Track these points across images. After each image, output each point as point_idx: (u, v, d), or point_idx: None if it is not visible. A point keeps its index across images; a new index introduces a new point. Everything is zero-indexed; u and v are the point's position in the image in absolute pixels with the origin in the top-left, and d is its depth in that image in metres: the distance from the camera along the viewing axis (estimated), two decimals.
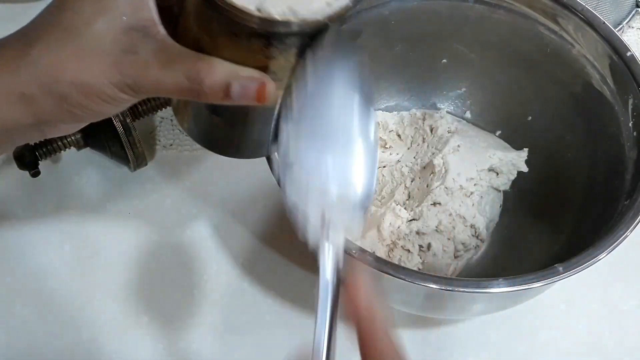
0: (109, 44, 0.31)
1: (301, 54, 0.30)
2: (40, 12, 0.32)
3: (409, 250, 0.51)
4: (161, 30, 0.31)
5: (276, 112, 0.33)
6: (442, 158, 0.54)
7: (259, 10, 0.28)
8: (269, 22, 0.28)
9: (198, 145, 0.61)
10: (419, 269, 0.51)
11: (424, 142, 0.57)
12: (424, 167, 0.55)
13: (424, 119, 0.58)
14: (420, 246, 0.52)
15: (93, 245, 0.54)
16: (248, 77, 0.30)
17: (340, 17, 0.30)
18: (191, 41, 0.31)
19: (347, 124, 0.32)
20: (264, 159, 0.43)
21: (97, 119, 0.33)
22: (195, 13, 0.30)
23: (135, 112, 0.55)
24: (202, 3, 0.29)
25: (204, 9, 0.29)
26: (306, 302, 0.52)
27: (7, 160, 0.58)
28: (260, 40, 0.29)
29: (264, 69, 0.30)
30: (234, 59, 0.30)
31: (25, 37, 0.31)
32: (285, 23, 0.28)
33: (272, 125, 0.34)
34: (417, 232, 0.52)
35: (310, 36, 0.30)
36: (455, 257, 0.53)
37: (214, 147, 0.37)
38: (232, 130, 0.35)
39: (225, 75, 0.30)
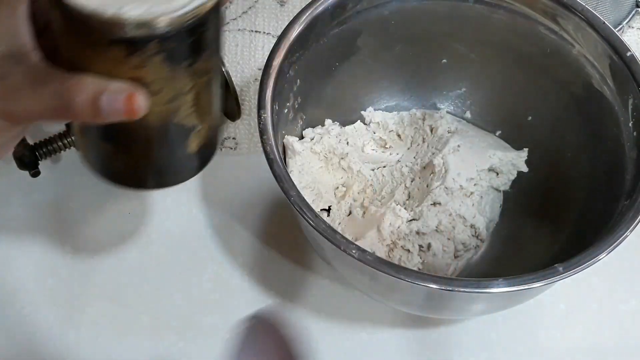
0: None
1: (171, 61, 0.29)
2: None
3: (409, 250, 0.51)
4: (35, 55, 0.31)
5: None
6: (442, 158, 0.54)
7: (109, 14, 0.27)
8: (120, 25, 0.27)
9: None
10: (419, 269, 0.51)
11: (424, 142, 0.57)
12: (424, 167, 0.55)
13: (424, 119, 0.58)
14: (420, 246, 0.52)
15: (93, 245, 0.54)
16: (115, 89, 0.29)
17: (199, 20, 0.28)
18: (65, 61, 0.30)
19: None
20: (263, 159, 0.43)
21: None
22: (59, 29, 0.29)
23: None
24: (58, 14, 0.28)
25: (61, 22, 0.28)
26: (306, 302, 0.53)
27: (7, 160, 0.58)
28: (121, 47, 0.28)
29: (136, 81, 0.29)
30: (103, 73, 0.29)
31: None
32: (144, 27, 0.27)
33: None
34: (417, 232, 0.52)
35: (177, 40, 0.28)
36: (455, 257, 0.53)
37: (119, 179, 0.35)
38: (129, 157, 0.33)
39: (94, 90, 0.29)
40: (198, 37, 0.29)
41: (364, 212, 0.54)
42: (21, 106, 0.30)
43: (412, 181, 0.55)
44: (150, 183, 0.36)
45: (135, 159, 0.33)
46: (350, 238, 0.45)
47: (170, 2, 0.27)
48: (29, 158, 0.52)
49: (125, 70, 0.29)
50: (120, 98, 0.29)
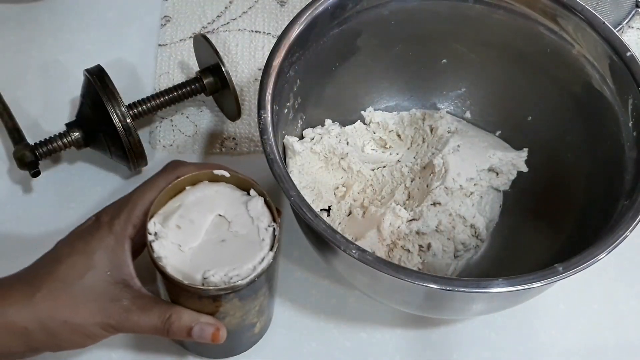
0: (98, 294, 0.40)
1: (243, 298, 0.41)
2: (40, 258, 0.42)
3: (408, 250, 0.51)
4: (137, 282, 0.41)
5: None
6: (442, 158, 0.54)
7: (203, 284, 0.39)
8: (212, 290, 0.39)
9: (197, 145, 0.61)
10: (419, 269, 0.51)
11: (424, 142, 0.57)
12: (424, 167, 0.55)
13: (424, 119, 0.58)
14: (420, 246, 0.52)
15: None
16: (205, 322, 0.41)
17: (263, 273, 0.40)
18: (166, 294, 0.42)
19: None
20: (263, 159, 0.43)
21: (74, 348, 0.42)
22: (163, 281, 0.41)
23: (135, 112, 0.55)
24: (162, 278, 0.40)
25: (164, 281, 0.40)
26: (306, 302, 0.53)
27: (7, 160, 0.58)
28: (209, 298, 0.40)
29: (218, 310, 0.41)
30: (195, 308, 0.41)
31: (29, 284, 0.40)
32: (224, 289, 0.39)
33: None
34: (417, 232, 0.52)
35: (248, 288, 0.40)
36: (455, 257, 0.53)
37: (203, 355, 0.50)
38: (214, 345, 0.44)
39: (189, 321, 0.40)
40: (262, 280, 0.41)
41: (364, 212, 0.54)
42: (130, 323, 0.40)
43: (412, 181, 0.55)
44: (226, 355, 0.49)
45: (219, 345, 0.43)
46: (350, 238, 0.45)
47: (243, 265, 0.39)
48: (29, 158, 0.52)
49: (210, 307, 0.41)
50: (208, 330, 0.40)
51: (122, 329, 0.41)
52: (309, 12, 0.49)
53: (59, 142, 0.53)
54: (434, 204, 0.52)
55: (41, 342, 0.40)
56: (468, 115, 0.59)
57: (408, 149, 0.58)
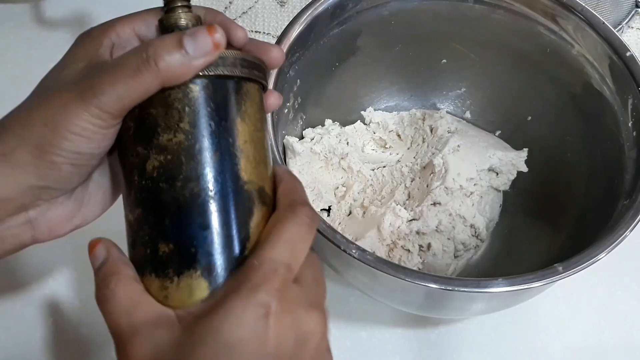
0: (70, 79, 0.32)
1: None
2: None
3: (409, 250, 0.51)
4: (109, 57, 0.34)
5: None
6: (442, 158, 0.54)
7: None
8: None
9: None
10: (419, 269, 0.51)
11: (424, 142, 0.57)
12: (424, 167, 0.55)
13: (423, 119, 0.58)
14: (420, 246, 0.52)
15: None
16: (193, 29, 0.31)
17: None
18: None
19: None
20: None
21: (77, 164, 0.33)
22: None
23: None
24: None
25: None
26: None
27: None
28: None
29: None
30: None
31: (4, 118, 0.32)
32: None
33: None
34: (417, 232, 0.52)
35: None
36: (455, 257, 0.53)
37: None
38: None
39: (176, 36, 0.31)
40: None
41: (364, 212, 0.54)
42: (110, 87, 0.30)
43: (412, 181, 0.55)
44: None
45: None
46: (350, 238, 0.45)
47: None
48: None
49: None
50: (202, 30, 0.31)
51: (107, 102, 0.31)
52: (309, 12, 0.49)
53: None
54: (434, 204, 0.52)
55: (29, 167, 0.32)
56: (468, 115, 0.59)
57: (408, 149, 0.58)
